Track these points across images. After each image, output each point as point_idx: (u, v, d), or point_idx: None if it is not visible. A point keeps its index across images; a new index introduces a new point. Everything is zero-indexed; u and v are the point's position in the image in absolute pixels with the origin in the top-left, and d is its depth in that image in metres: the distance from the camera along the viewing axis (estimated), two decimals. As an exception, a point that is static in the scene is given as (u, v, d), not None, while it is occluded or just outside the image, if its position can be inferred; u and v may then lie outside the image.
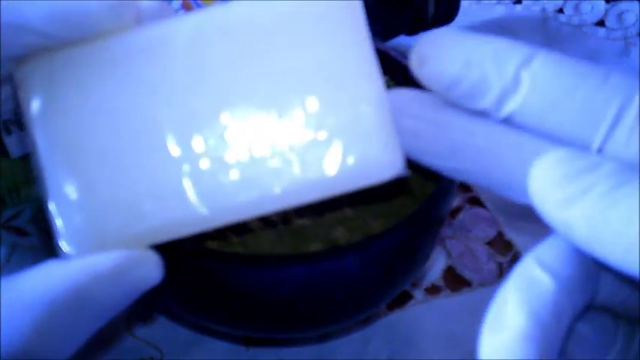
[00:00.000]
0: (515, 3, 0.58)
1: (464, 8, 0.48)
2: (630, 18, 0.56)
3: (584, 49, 0.54)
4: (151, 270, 0.23)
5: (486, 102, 0.22)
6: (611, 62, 0.53)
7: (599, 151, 0.21)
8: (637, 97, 0.20)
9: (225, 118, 0.23)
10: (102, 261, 0.22)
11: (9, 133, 0.40)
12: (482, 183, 0.24)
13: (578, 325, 0.23)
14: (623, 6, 0.56)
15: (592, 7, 0.57)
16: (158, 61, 0.23)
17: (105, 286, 0.22)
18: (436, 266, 0.42)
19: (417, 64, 0.22)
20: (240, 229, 0.33)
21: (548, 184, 0.20)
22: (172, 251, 0.30)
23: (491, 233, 0.44)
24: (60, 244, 0.23)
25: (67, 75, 0.23)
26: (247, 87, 0.23)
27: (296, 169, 0.23)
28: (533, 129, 0.22)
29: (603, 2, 0.57)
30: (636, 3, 0.56)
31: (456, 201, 0.45)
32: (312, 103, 0.23)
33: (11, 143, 0.40)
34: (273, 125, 0.23)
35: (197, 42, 0.23)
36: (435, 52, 0.22)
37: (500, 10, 0.57)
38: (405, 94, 0.24)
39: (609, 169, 0.20)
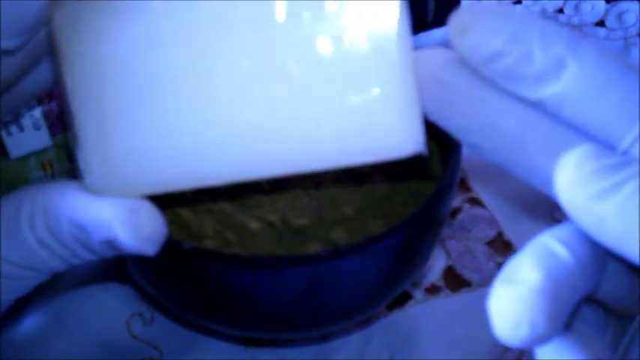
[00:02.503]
0: (515, 3, 0.57)
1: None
2: (630, 18, 0.56)
3: (584, 49, 0.54)
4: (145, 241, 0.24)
5: (525, 82, 0.21)
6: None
7: (625, 151, 0.20)
8: None
9: (248, 74, 0.23)
10: (102, 213, 0.23)
11: (9, 133, 0.40)
12: (504, 164, 0.23)
13: (585, 309, 0.23)
14: (623, 6, 0.56)
15: (592, 7, 0.57)
16: (187, 14, 0.23)
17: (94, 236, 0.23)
18: (436, 266, 0.42)
19: (456, 33, 0.21)
20: (241, 229, 0.33)
21: (578, 178, 0.19)
22: (172, 251, 0.30)
23: (491, 233, 0.44)
24: (83, 176, 0.23)
25: (100, 19, 0.23)
26: (274, 47, 0.23)
27: (315, 135, 0.23)
28: (566, 117, 0.21)
29: (603, 2, 0.57)
30: (636, 3, 0.56)
31: (456, 201, 0.45)
32: (339, 72, 0.23)
33: (11, 144, 0.40)
34: (295, 89, 0.23)
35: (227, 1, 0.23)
36: (479, 22, 0.21)
37: (500, 10, 0.57)
38: (438, 55, 0.23)
39: (638, 168, 0.19)
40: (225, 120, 0.23)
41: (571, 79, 0.21)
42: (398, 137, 0.23)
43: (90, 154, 0.23)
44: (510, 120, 0.22)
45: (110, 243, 0.24)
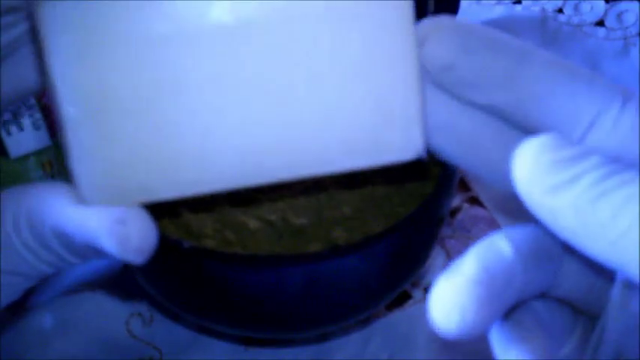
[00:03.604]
0: (515, 3, 0.58)
1: (464, 8, 0.48)
2: (630, 18, 0.56)
3: (584, 49, 0.54)
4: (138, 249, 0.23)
5: (476, 91, 0.22)
6: (611, 62, 0.53)
7: (580, 139, 0.21)
8: (619, 98, 0.21)
9: (252, 80, 0.22)
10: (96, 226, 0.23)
11: (9, 133, 0.40)
12: (464, 165, 0.24)
13: (536, 304, 0.24)
14: (622, 6, 0.56)
15: (592, 7, 0.57)
16: (187, 15, 0.22)
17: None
18: (436, 266, 0.42)
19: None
20: (240, 228, 0.33)
21: (534, 170, 0.20)
22: (172, 251, 0.30)
23: (490, 233, 0.44)
24: (75, 188, 0.23)
25: (92, 18, 0.22)
26: (279, 50, 0.22)
27: (318, 138, 0.23)
28: (517, 121, 0.22)
29: (603, 2, 0.57)
30: (636, 3, 0.56)
31: (456, 201, 0.45)
32: (344, 76, 0.23)
33: (11, 143, 0.40)
34: (299, 93, 0.23)
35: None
36: (434, 35, 0.22)
37: (500, 10, 0.57)
38: None
39: (597, 160, 0.20)
40: (224, 127, 0.22)
41: (519, 87, 0.21)
42: (399, 141, 0.23)
43: (79, 164, 0.22)
44: (463, 121, 0.23)
45: (96, 252, 0.23)
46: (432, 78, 0.23)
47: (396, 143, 0.23)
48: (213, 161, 0.23)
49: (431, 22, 0.23)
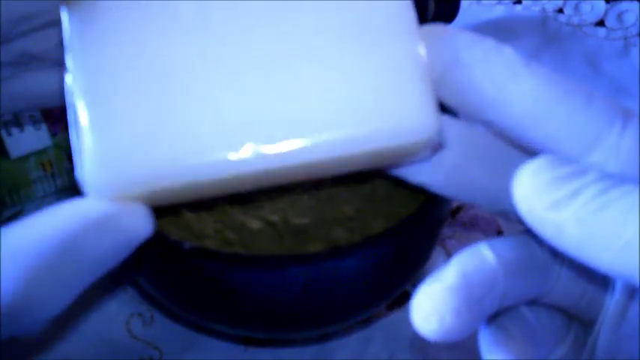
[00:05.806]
0: (515, 3, 0.58)
1: (464, 8, 0.48)
2: (630, 18, 0.56)
3: (584, 49, 0.54)
4: (141, 220, 0.22)
5: (466, 105, 0.22)
6: (611, 62, 0.53)
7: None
8: (619, 119, 0.21)
9: (261, 67, 0.23)
10: (92, 207, 0.21)
11: (9, 133, 0.40)
12: (454, 196, 0.25)
13: (524, 310, 0.24)
14: (623, 6, 0.56)
15: (592, 7, 0.57)
16: (202, 4, 0.23)
17: (94, 233, 0.21)
18: (436, 266, 0.42)
19: None
20: (241, 229, 0.33)
21: (535, 189, 0.20)
22: (173, 251, 0.30)
23: (491, 233, 0.44)
24: (80, 177, 0.22)
25: (111, 5, 0.23)
26: (288, 38, 0.23)
27: (331, 123, 0.22)
28: (511, 138, 0.22)
29: (603, 2, 0.57)
30: (636, 3, 0.56)
31: (456, 201, 0.45)
32: (354, 60, 0.23)
33: (11, 143, 0.40)
34: (311, 78, 0.22)
35: None
36: (427, 44, 0.22)
37: (500, 10, 0.57)
38: None
39: (596, 174, 0.20)
40: (239, 112, 0.22)
41: (512, 106, 0.21)
42: (414, 124, 0.22)
43: (89, 142, 0.22)
44: (451, 151, 0.23)
45: None
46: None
47: (409, 125, 0.22)
48: (217, 149, 0.22)
49: (424, 31, 0.22)
